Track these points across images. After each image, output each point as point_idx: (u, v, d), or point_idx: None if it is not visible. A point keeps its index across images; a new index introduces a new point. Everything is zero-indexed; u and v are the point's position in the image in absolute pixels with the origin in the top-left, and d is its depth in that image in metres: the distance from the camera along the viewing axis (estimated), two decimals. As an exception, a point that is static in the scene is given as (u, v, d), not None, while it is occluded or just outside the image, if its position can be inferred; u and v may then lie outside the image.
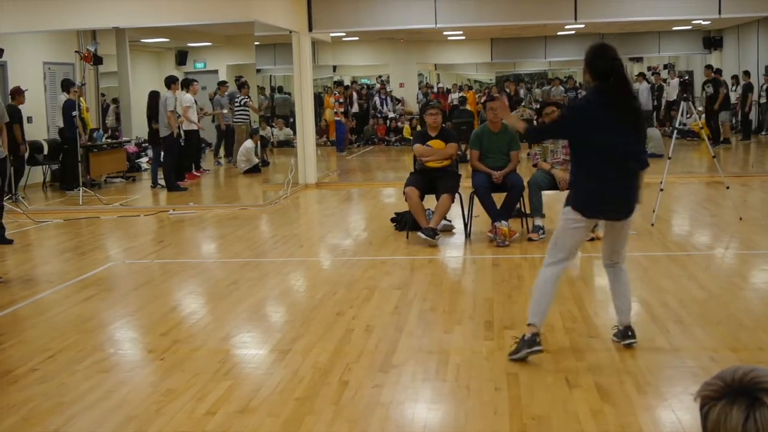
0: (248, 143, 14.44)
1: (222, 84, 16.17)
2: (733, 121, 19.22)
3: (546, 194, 7.82)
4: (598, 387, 3.92)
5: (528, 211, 7.94)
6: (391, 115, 21.75)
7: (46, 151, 13.08)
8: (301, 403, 3.85)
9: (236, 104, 15.43)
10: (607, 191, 4.17)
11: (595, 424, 3.51)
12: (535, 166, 7.94)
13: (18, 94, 11.72)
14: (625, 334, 4.45)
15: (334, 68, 23.72)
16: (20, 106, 11.67)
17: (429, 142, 7.85)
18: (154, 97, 13.15)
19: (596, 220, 4.36)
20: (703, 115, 16.72)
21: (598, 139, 4.10)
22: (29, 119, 12.24)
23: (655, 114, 19.39)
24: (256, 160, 14.14)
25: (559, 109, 7.92)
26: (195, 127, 13.29)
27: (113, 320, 5.57)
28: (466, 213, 8.00)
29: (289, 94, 21.60)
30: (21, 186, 12.01)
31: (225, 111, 15.93)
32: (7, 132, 8.02)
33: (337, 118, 19.24)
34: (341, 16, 12.66)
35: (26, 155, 12.12)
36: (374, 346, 4.66)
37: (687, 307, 5.26)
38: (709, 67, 17.58)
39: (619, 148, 4.13)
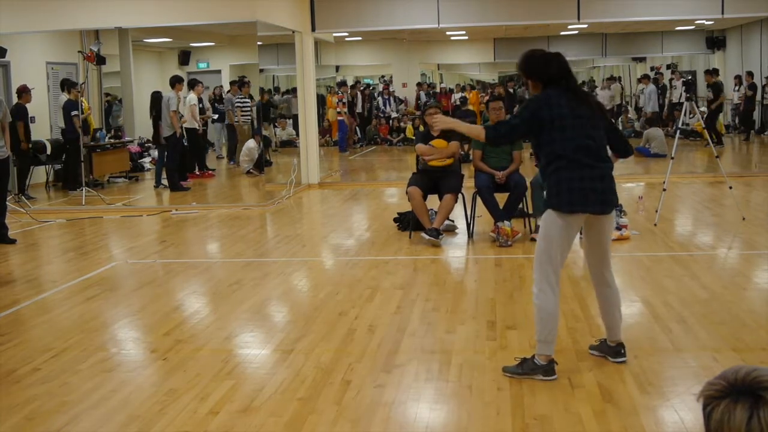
0: (250, 143, 14.44)
1: (234, 83, 16.22)
2: (736, 121, 19.20)
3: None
4: (601, 387, 3.92)
5: (530, 211, 7.95)
6: (394, 115, 21.75)
7: (48, 151, 13.10)
8: (304, 403, 3.86)
9: (236, 104, 15.43)
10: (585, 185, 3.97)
11: (598, 425, 3.50)
12: (537, 166, 7.92)
13: (24, 92, 11.75)
14: (618, 351, 4.27)
15: (337, 68, 23.73)
16: (26, 105, 11.72)
17: (431, 141, 7.86)
18: (156, 97, 13.16)
19: (580, 218, 4.02)
20: (705, 115, 16.71)
21: (567, 132, 3.96)
22: (32, 119, 12.27)
23: (658, 114, 19.37)
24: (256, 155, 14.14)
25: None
26: (195, 125, 13.27)
27: (116, 320, 5.58)
28: (468, 213, 8.00)
29: (287, 92, 21.62)
30: (25, 186, 12.04)
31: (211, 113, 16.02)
32: (10, 130, 8.07)
33: (340, 118, 19.24)
34: (344, 16, 12.66)
35: (30, 153, 12.16)
36: (377, 346, 4.67)
37: (689, 307, 5.25)
38: (708, 71, 17.61)
39: (589, 142, 3.98)
